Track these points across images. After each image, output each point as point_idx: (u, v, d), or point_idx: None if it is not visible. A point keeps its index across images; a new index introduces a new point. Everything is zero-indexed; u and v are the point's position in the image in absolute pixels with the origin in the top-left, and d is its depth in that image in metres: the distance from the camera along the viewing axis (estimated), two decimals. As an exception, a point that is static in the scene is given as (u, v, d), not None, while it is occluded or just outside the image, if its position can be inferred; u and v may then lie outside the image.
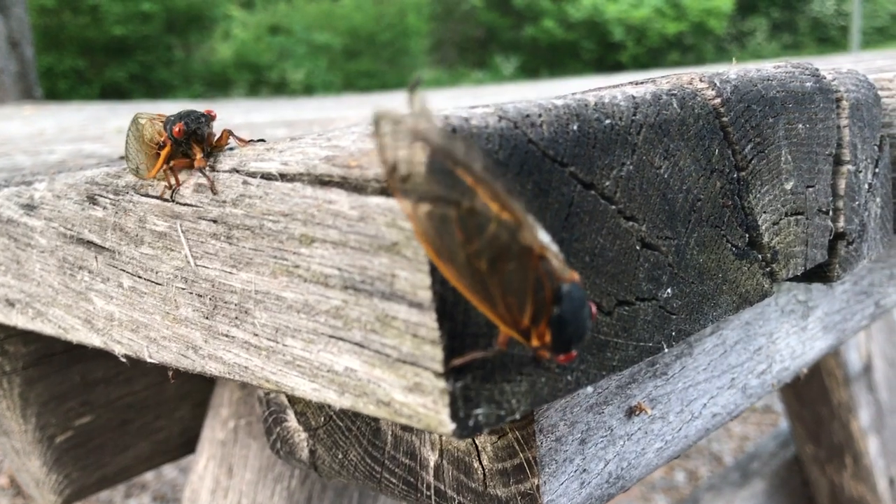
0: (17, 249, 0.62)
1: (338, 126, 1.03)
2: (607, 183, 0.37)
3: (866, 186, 0.55)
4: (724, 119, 0.43)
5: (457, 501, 0.50)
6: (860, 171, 0.54)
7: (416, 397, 0.33)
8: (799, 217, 0.49)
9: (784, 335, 0.64)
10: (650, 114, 0.39)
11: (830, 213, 0.51)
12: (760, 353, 0.62)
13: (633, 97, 0.39)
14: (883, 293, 0.78)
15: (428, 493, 0.51)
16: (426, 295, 0.32)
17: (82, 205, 0.53)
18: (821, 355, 0.69)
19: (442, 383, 0.32)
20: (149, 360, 0.50)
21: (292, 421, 0.60)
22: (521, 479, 0.46)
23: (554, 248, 0.31)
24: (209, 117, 0.46)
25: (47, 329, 0.61)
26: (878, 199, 0.56)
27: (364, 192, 0.34)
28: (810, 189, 0.49)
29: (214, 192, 0.41)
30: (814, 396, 1.88)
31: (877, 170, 0.56)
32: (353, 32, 10.30)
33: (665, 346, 0.41)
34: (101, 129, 1.96)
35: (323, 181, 0.36)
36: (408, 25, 10.54)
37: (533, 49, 11.85)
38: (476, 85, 9.82)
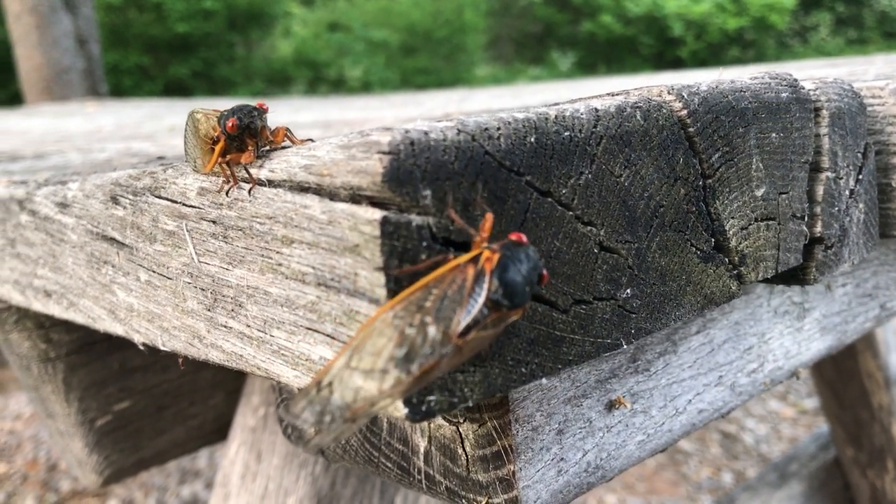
0: (52, 244, 0.67)
1: (368, 127, 1.07)
2: (564, 191, 0.40)
3: (847, 193, 0.56)
4: (690, 129, 0.46)
5: (444, 485, 0.53)
6: (840, 178, 0.55)
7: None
8: (770, 222, 0.51)
9: (777, 335, 0.66)
10: (611, 126, 0.42)
11: (806, 218, 0.53)
12: (751, 353, 0.64)
13: (597, 110, 0.42)
14: (889, 296, 0.79)
15: (419, 478, 0.55)
16: (382, 292, 0.35)
17: (106, 204, 0.57)
18: (819, 356, 0.71)
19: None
20: (162, 348, 0.54)
21: (301, 408, 0.64)
22: (500, 465, 0.49)
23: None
24: (261, 111, 0.48)
25: (79, 318, 0.66)
26: (861, 205, 0.58)
27: (333, 198, 0.38)
28: (783, 195, 0.52)
29: (250, 193, 0.43)
30: (853, 399, 1.87)
31: (860, 176, 0.57)
32: (411, 29, 10.37)
33: (624, 343, 0.43)
34: (155, 126, 2.03)
35: (302, 188, 0.40)
36: (465, 22, 10.57)
37: (590, 44, 11.78)
38: (531, 81, 9.81)
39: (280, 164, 0.42)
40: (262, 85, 9.83)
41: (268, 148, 0.46)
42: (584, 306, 0.42)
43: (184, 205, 0.48)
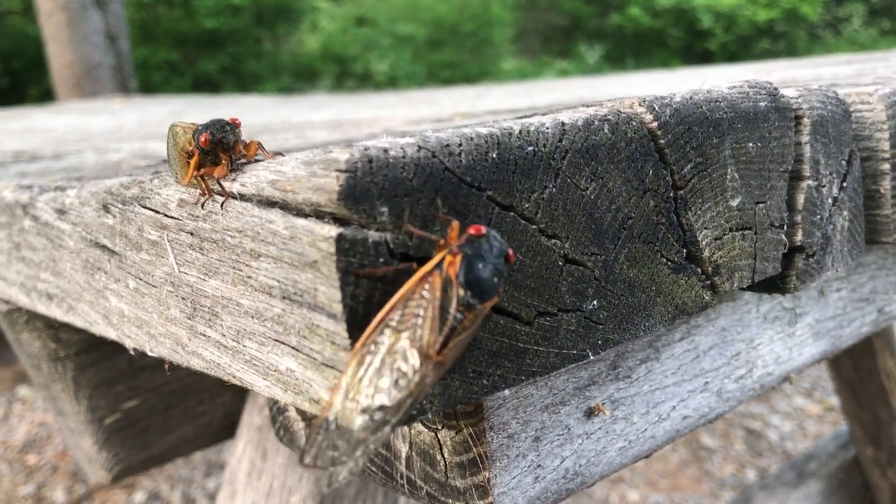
0: (52, 250, 0.68)
1: (372, 129, 1.07)
2: (527, 205, 0.41)
3: (830, 201, 0.56)
4: (661, 141, 0.46)
5: (425, 490, 0.54)
6: (823, 186, 0.55)
7: (336, 397, 0.38)
8: (746, 232, 0.51)
9: (767, 341, 0.66)
10: (577, 139, 0.43)
11: (785, 227, 0.53)
12: (739, 359, 0.64)
13: (563, 123, 0.43)
14: (888, 300, 0.78)
15: (401, 482, 0.56)
16: (339, 308, 0.36)
17: (98, 212, 0.59)
18: (812, 361, 0.71)
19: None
20: (150, 353, 0.55)
21: (292, 411, 0.65)
22: (475, 471, 0.50)
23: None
24: (234, 126, 0.50)
25: (77, 322, 0.67)
26: (845, 213, 0.58)
27: (298, 213, 0.39)
28: (761, 205, 0.52)
29: (222, 207, 0.44)
30: (872, 399, 1.85)
31: (844, 184, 0.57)
32: (437, 23, 10.36)
33: (590, 354, 0.44)
34: (175, 125, 2.05)
35: (269, 202, 0.41)
36: (491, 15, 10.54)
37: (618, 37, 11.71)
38: (558, 75, 9.77)
39: (250, 179, 0.42)
40: (289, 80, 9.89)
41: (243, 161, 0.46)
42: (548, 318, 0.42)
43: (165, 215, 0.49)
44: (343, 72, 10.25)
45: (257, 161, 0.45)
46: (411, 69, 9.87)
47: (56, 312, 0.72)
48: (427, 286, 0.37)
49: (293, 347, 0.40)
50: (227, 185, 0.44)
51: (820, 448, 1.98)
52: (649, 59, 11.10)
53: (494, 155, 0.40)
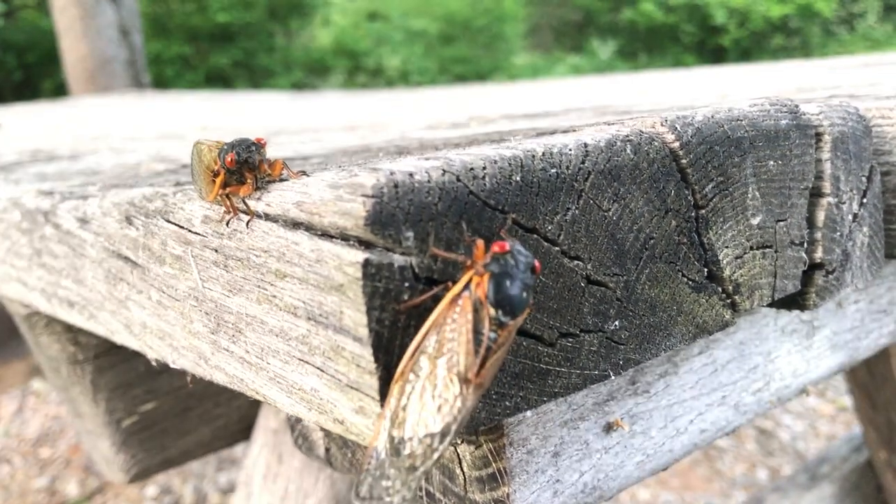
0: (74, 258, 0.69)
1: (388, 134, 1.08)
2: (550, 227, 0.41)
3: (850, 217, 0.56)
4: (683, 161, 0.46)
5: (443, 503, 0.54)
6: (843, 203, 0.55)
7: (360, 418, 0.38)
8: (767, 250, 0.51)
9: (785, 354, 0.66)
10: (600, 161, 0.43)
11: (805, 244, 0.53)
12: (756, 372, 0.64)
13: (586, 145, 0.43)
14: (906, 311, 0.78)
15: (420, 494, 0.56)
16: (364, 332, 0.36)
17: (121, 223, 0.59)
18: (830, 373, 0.71)
19: (379, 409, 0.37)
20: (172, 365, 0.56)
21: (310, 420, 0.65)
22: (495, 486, 0.50)
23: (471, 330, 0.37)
24: (259, 146, 0.50)
25: (99, 330, 0.68)
26: (865, 229, 0.58)
27: (320, 235, 0.39)
28: (781, 223, 0.52)
29: (248, 226, 0.45)
30: (887, 402, 1.84)
31: (864, 200, 0.57)
32: (449, 18, 10.34)
33: (612, 374, 0.44)
34: (189, 123, 2.06)
35: (295, 223, 0.41)
36: (504, 10, 10.52)
37: (631, 33, 11.65)
38: (570, 70, 9.74)
39: (276, 199, 0.43)
40: (300, 74, 9.89)
41: (268, 180, 0.47)
42: (570, 339, 0.42)
43: (189, 231, 0.50)
44: (355, 67, 10.24)
45: (282, 180, 0.46)
46: (423, 64, 9.86)
47: (77, 319, 0.72)
48: (458, 309, 0.37)
49: (318, 368, 0.40)
50: (252, 204, 0.44)
51: (833, 451, 1.98)
52: (662, 55, 11.05)
53: (518, 178, 0.40)
